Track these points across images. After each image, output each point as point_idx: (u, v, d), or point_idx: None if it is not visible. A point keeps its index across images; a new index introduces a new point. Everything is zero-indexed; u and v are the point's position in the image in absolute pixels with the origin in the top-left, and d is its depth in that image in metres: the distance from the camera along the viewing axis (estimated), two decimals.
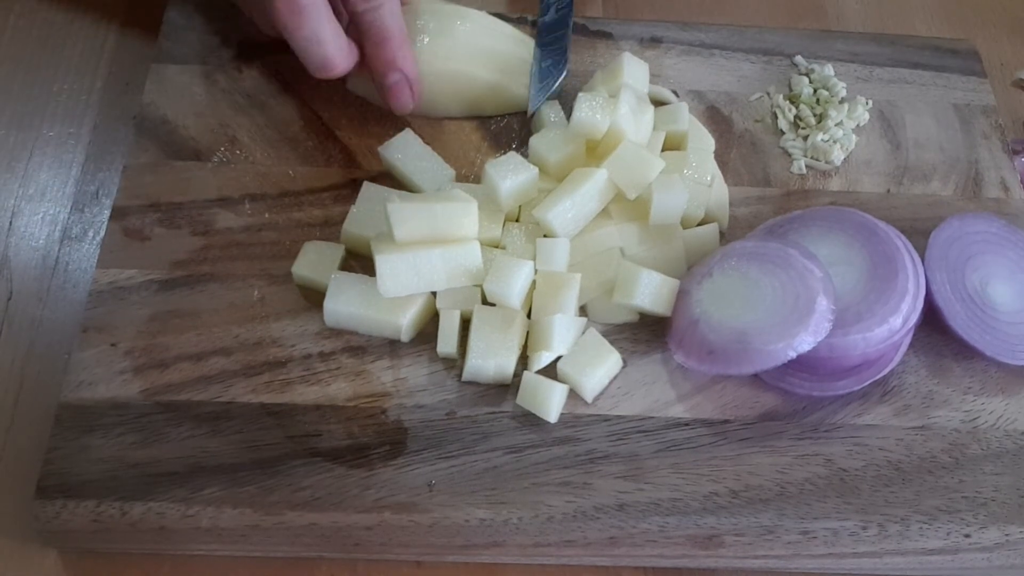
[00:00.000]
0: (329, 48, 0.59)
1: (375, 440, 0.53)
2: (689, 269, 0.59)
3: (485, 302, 0.56)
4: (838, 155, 0.66)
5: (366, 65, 0.62)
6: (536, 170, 0.58)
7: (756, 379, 0.56)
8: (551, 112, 0.65)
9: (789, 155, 0.67)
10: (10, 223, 0.64)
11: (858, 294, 0.56)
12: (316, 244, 0.58)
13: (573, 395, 0.55)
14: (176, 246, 0.59)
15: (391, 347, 0.56)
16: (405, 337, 0.56)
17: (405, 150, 0.62)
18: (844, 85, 0.69)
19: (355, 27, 0.61)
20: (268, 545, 0.52)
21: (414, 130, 0.64)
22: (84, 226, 0.64)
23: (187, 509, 0.50)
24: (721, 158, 0.66)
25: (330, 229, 0.60)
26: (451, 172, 0.62)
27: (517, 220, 0.60)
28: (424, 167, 0.62)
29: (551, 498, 0.52)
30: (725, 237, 0.62)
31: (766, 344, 0.53)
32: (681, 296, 0.57)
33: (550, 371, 0.55)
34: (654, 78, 0.67)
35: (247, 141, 0.64)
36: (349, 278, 0.56)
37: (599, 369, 0.55)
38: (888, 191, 0.66)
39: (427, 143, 0.63)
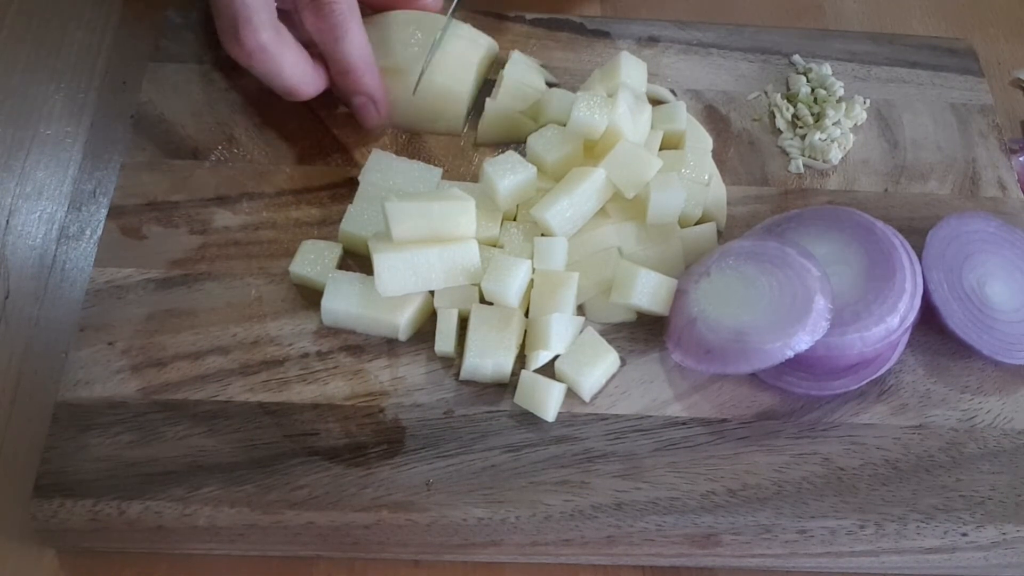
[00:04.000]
0: (290, 80, 0.60)
1: (373, 439, 0.53)
2: (687, 268, 0.59)
3: (483, 301, 0.56)
4: (836, 154, 0.66)
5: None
6: (534, 169, 0.58)
7: (754, 378, 0.56)
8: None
9: (787, 154, 0.67)
10: (7, 221, 0.64)
11: (855, 293, 0.56)
12: (314, 243, 0.58)
13: (571, 394, 0.55)
14: (173, 245, 0.59)
15: (389, 346, 0.56)
16: (403, 336, 0.56)
17: (382, 169, 0.61)
18: (842, 84, 0.69)
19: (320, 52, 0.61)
20: (265, 544, 0.52)
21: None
22: (81, 225, 0.64)
23: (185, 508, 0.50)
24: (719, 157, 0.66)
25: (328, 228, 0.60)
26: (438, 171, 0.62)
27: (515, 219, 0.60)
28: (406, 180, 0.61)
29: (549, 497, 0.52)
30: (723, 236, 0.62)
31: (764, 343, 0.53)
32: (679, 295, 0.57)
33: (548, 370, 0.55)
34: (652, 77, 0.67)
35: (244, 140, 0.64)
36: (347, 277, 0.56)
37: (597, 368, 0.55)
38: (885, 190, 0.66)
39: (421, 142, 0.63)
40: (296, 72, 0.60)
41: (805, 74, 0.70)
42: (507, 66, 0.66)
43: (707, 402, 0.56)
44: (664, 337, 0.57)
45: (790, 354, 0.52)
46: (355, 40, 0.60)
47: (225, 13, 0.57)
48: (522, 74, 0.65)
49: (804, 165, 0.66)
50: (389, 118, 0.64)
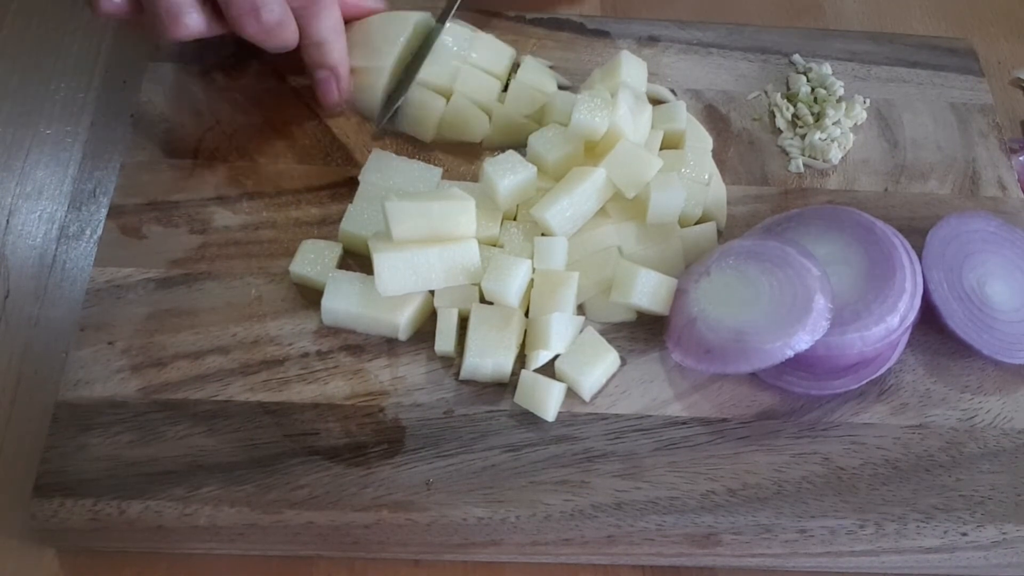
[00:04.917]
0: (291, 41, 0.61)
1: (373, 439, 0.53)
2: (687, 268, 0.59)
3: (483, 300, 0.56)
4: (836, 154, 0.66)
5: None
6: (534, 169, 0.58)
7: (754, 378, 0.56)
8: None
9: (787, 154, 0.67)
10: (7, 221, 0.64)
11: (855, 293, 0.56)
12: (314, 242, 0.58)
13: (571, 394, 0.55)
14: (173, 244, 0.59)
15: (389, 346, 0.56)
16: (403, 336, 0.56)
17: (382, 169, 0.61)
18: (842, 84, 0.69)
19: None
20: (266, 544, 0.52)
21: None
22: (81, 224, 0.64)
23: (185, 508, 0.50)
24: (719, 157, 0.66)
25: (328, 227, 0.60)
26: (438, 171, 0.62)
27: (515, 219, 0.60)
28: (406, 179, 0.61)
29: (549, 497, 0.52)
30: (723, 236, 0.62)
31: (764, 343, 0.53)
32: (679, 295, 0.57)
33: (548, 370, 0.55)
34: (652, 77, 0.67)
35: (245, 139, 0.64)
36: (347, 277, 0.56)
37: (597, 368, 0.55)
38: (886, 190, 0.66)
39: (421, 142, 0.63)
40: (297, 35, 0.61)
41: (805, 74, 0.70)
42: (518, 72, 0.66)
43: (707, 402, 0.56)
44: (664, 337, 0.57)
45: (790, 354, 0.52)
46: (331, 17, 0.62)
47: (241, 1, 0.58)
48: (532, 79, 0.65)
49: (804, 165, 0.66)
50: (348, 98, 0.65)
